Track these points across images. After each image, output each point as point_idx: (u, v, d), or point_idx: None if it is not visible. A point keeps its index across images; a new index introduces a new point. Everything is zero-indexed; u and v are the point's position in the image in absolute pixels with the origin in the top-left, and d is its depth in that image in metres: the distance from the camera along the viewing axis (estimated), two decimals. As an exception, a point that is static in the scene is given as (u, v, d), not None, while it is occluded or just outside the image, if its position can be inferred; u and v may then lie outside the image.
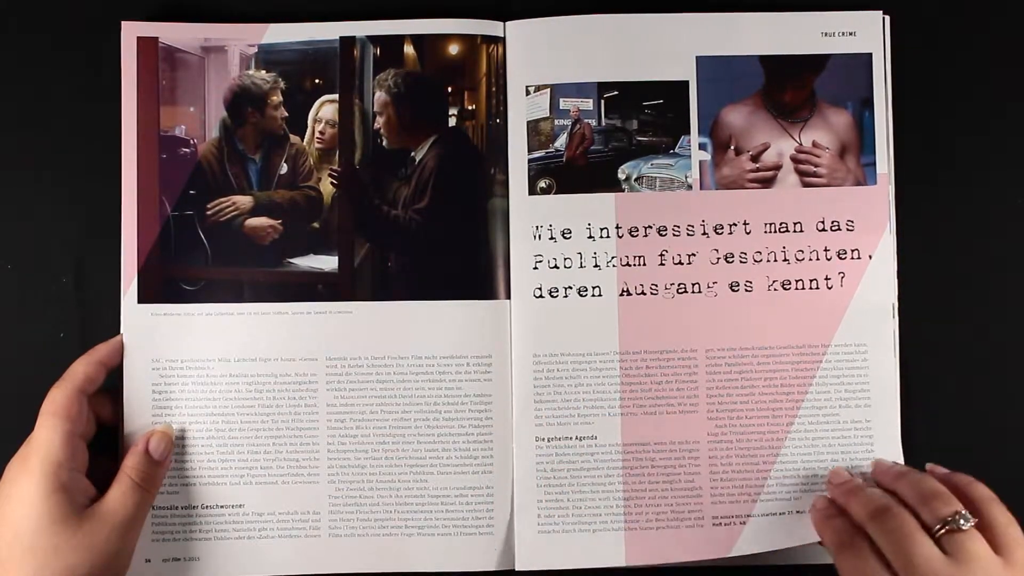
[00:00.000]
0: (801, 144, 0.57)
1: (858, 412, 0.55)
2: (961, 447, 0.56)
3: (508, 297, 0.56)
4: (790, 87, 0.57)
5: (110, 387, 0.54)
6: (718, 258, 0.56)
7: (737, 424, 0.55)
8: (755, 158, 0.57)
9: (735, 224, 0.56)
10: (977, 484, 0.49)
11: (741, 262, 0.56)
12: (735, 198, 0.56)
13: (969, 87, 0.58)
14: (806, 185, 0.56)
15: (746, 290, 0.56)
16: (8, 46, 0.57)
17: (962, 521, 0.46)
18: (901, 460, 0.55)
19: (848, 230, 0.56)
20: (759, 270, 0.56)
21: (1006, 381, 0.58)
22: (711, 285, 0.56)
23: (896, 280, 0.56)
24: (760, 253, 0.56)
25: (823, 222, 0.56)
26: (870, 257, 0.56)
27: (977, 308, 0.58)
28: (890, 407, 0.56)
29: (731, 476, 0.55)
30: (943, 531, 0.46)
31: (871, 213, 0.56)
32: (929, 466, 0.52)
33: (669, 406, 0.55)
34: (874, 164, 0.56)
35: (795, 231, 0.56)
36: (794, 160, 0.57)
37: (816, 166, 0.56)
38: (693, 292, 0.56)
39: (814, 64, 0.57)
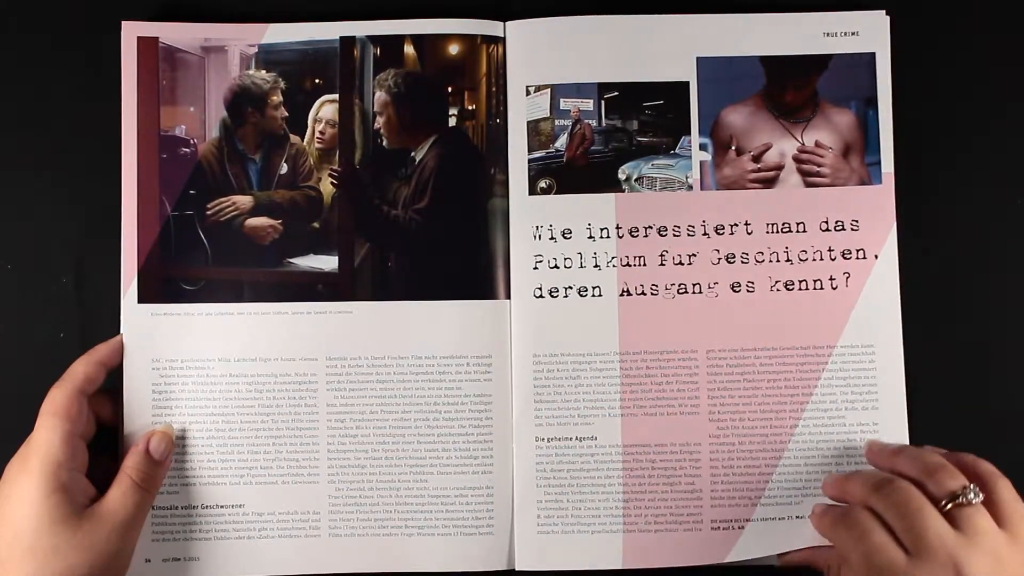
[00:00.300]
0: (803, 144, 0.57)
1: (865, 415, 0.55)
2: (963, 448, 0.56)
3: (508, 297, 0.56)
4: (792, 87, 0.57)
5: (110, 387, 0.54)
6: (719, 258, 0.56)
7: (740, 426, 0.55)
8: (757, 158, 0.56)
9: (736, 224, 0.56)
10: (982, 461, 0.48)
11: (743, 262, 0.56)
12: (736, 198, 0.56)
13: (969, 87, 0.58)
14: (809, 185, 0.56)
15: (748, 291, 0.56)
16: (8, 46, 0.57)
17: (972, 495, 0.45)
18: None
19: (853, 230, 0.56)
20: (761, 270, 0.56)
21: (1007, 381, 0.58)
22: (712, 286, 0.56)
23: (896, 279, 0.56)
24: (762, 254, 0.56)
25: (827, 222, 0.56)
26: (876, 257, 0.56)
27: (978, 308, 0.58)
28: (898, 409, 0.55)
29: (732, 479, 0.55)
30: (951, 505, 0.46)
31: (876, 213, 0.56)
32: (928, 448, 0.52)
33: (670, 407, 0.55)
34: (878, 163, 0.56)
35: (798, 231, 0.56)
36: (796, 160, 0.56)
37: (819, 166, 0.56)
38: (694, 292, 0.56)
39: (816, 64, 0.57)
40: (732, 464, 0.55)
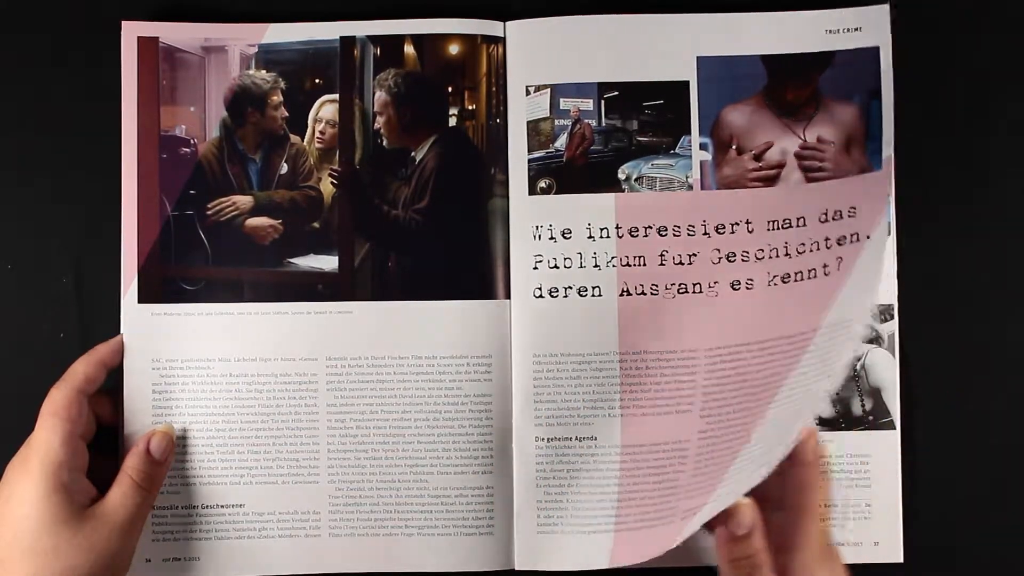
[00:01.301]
0: (806, 141, 0.56)
1: (828, 383, 0.52)
2: (961, 446, 0.56)
3: (508, 297, 0.56)
4: (793, 86, 0.56)
5: (110, 387, 0.54)
6: (719, 258, 0.56)
7: (726, 420, 0.54)
8: (758, 157, 0.56)
9: (736, 224, 0.56)
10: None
11: (743, 260, 0.55)
12: (736, 198, 0.56)
13: (971, 84, 0.58)
14: (811, 180, 0.56)
15: (747, 288, 0.55)
16: (8, 46, 0.57)
17: None
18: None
19: (850, 216, 0.55)
20: (760, 267, 0.55)
21: (1007, 380, 0.58)
22: (712, 285, 0.55)
23: (896, 279, 0.56)
24: (762, 251, 0.55)
25: (826, 213, 0.55)
26: (868, 237, 0.54)
27: (977, 308, 0.58)
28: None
29: (707, 470, 0.53)
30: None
31: (873, 196, 0.55)
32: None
33: (668, 407, 0.55)
34: (879, 152, 0.55)
35: (798, 226, 0.55)
36: (798, 157, 0.56)
37: (821, 161, 0.56)
38: (693, 292, 0.56)
39: (819, 62, 0.56)
40: (713, 456, 0.53)
